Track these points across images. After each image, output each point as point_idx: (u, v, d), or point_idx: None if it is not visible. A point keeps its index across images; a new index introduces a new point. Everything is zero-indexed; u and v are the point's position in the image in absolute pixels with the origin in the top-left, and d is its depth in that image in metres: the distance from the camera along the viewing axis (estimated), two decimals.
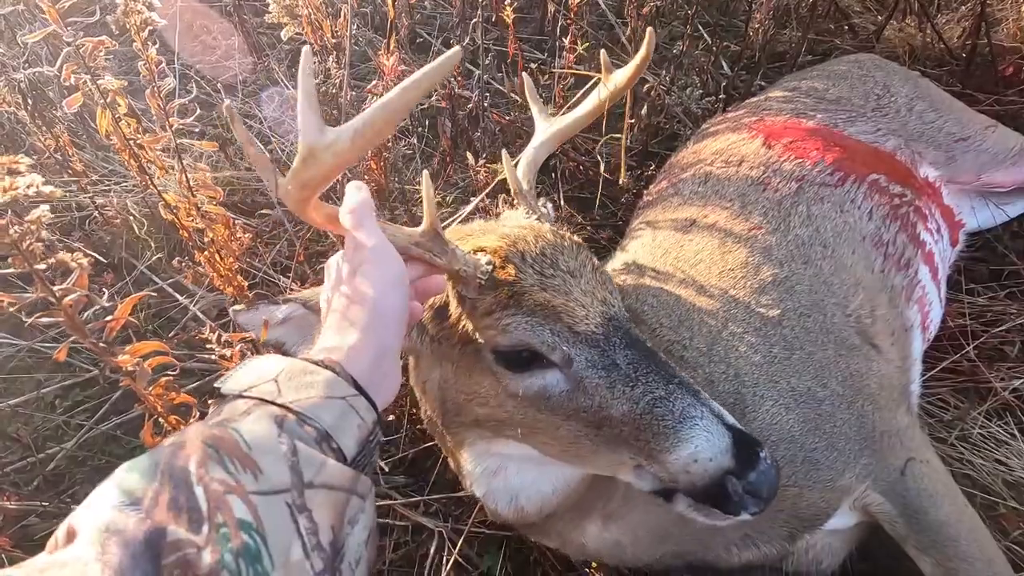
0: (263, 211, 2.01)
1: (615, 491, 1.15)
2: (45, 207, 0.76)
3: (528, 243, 0.99)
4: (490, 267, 0.96)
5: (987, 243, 1.99)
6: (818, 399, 1.22)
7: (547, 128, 1.38)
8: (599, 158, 2.40)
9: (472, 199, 2.01)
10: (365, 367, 0.74)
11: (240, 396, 0.66)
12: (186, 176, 1.10)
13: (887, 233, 1.56)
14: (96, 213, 1.89)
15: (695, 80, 2.35)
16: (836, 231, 1.50)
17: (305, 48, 0.79)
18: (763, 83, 2.30)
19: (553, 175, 2.28)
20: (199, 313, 1.78)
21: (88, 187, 1.88)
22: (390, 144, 1.97)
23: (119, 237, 1.91)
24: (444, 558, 1.44)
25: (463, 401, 1.02)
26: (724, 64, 2.56)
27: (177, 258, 1.19)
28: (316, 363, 0.71)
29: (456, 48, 0.77)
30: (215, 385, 0.70)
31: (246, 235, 1.33)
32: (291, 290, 1.89)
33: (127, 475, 0.57)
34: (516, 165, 1.28)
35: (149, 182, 1.11)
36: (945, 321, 1.77)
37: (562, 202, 2.19)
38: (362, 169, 1.72)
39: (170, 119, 1.08)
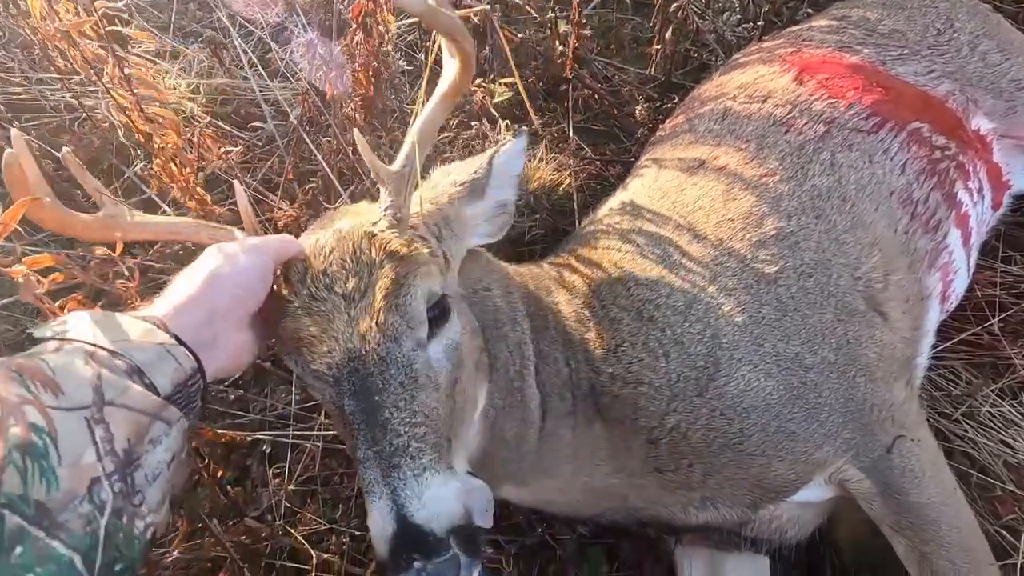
0: (255, 123, 1.92)
1: (523, 461, 1.12)
2: None
3: (322, 257, 0.94)
4: (280, 278, 0.95)
5: None
6: (805, 367, 1.14)
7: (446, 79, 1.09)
8: (617, 87, 2.22)
9: (474, 123, 1.88)
10: (190, 324, 0.81)
11: (53, 338, 0.71)
12: (120, 69, 1.00)
13: (919, 190, 1.40)
14: (85, 114, 1.83)
15: (733, 2, 2.10)
16: (860, 184, 1.35)
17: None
18: (811, 10, 2.05)
19: (565, 103, 2.11)
20: None
21: (75, 87, 1.81)
22: (388, 60, 1.83)
23: (109, 143, 1.85)
24: None
25: None
26: None
27: (141, 166, 1.13)
28: (135, 318, 0.78)
29: None
30: (28, 331, 0.76)
31: (220, 148, 1.25)
32: (279, 209, 1.84)
33: None
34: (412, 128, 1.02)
35: (96, 78, 1.03)
36: (972, 290, 1.63)
37: (571, 133, 2.04)
38: (350, 82, 1.60)
39: (96, 2, 0.98)
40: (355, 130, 0.95)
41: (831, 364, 1.15)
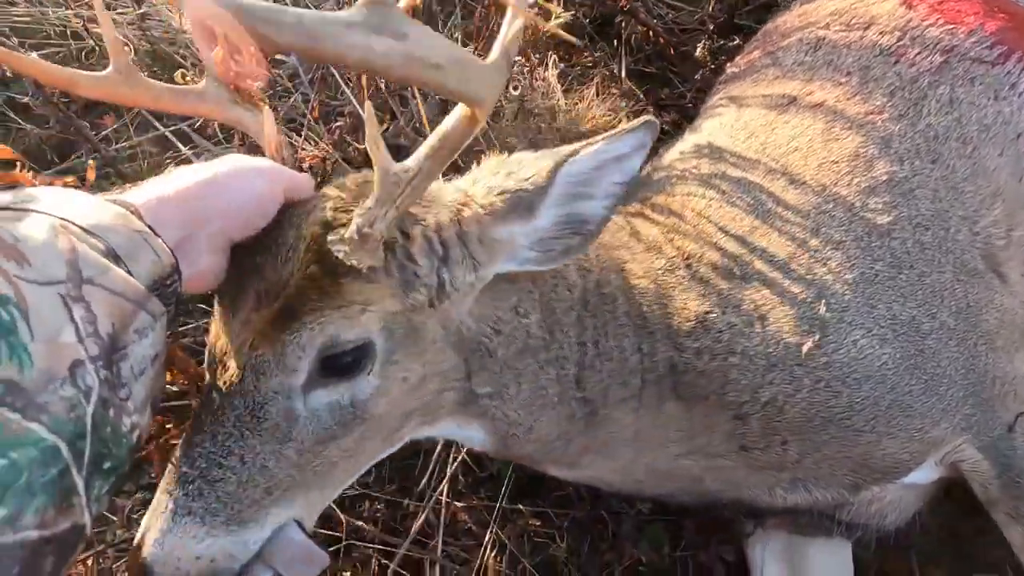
0: (277, 56, 1.75)
1: (568, 447, 0.98)
2: None
3: (276, 231, 0.78)
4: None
5: None
6: (923, 332, 0.99)
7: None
8: (672, 26, 2.01)
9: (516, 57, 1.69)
10: (173, 219, 0.70)
11: (10, 208, 0.60)
12: None
13: None
14: (93, 43, 1.67)
15: None
16: (983, 124, 1.16)
17: None
18: None
19: (615, 42, 1.91)
20: None
21: (79, 9, 1.64)
22: None
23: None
24: (451, 455, 1.34)
25: None
26: None
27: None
28: (106, 200, 0.67)
29: None
30: None
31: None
32: (302, 151, 1.69)
33: None
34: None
35: None
36: None
37: (623, 74, 1.85)
38: None
39: None
40: (367, 103, 0.66)
41: (951, 330, 1.00)
